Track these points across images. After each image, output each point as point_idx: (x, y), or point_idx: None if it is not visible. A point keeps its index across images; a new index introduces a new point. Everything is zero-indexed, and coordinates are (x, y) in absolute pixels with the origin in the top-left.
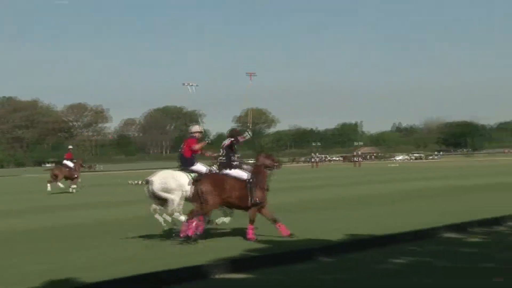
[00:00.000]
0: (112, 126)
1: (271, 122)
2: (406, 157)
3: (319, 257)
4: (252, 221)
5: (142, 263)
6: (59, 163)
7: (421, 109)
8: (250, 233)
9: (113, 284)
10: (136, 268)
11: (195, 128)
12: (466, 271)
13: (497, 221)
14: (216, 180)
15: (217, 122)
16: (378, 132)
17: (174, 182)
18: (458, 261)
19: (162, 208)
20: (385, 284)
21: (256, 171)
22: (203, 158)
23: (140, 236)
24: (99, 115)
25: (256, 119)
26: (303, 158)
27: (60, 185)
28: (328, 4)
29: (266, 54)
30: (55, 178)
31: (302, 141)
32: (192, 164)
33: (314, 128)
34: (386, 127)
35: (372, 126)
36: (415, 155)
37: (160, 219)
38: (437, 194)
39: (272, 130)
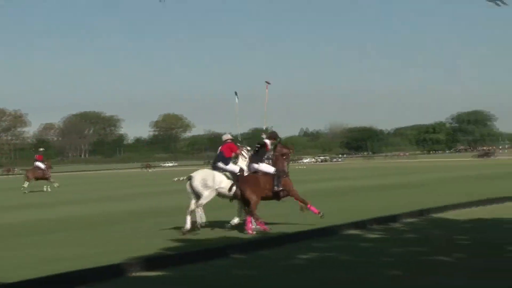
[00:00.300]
0: (31, 130)
1: (186, 126)
2: (313, 159)
3: (233, 254)
4: (303, 200)
5: (63, 262)
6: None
7: (327, 115)
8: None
9: (30, 284)
10: (56, 268)
11: (227, 136)
12: (365, 265)
13: (393, 218)
14: (253, 179)
15: (135, 127)
16: (287, 136)
17: (212, 181)
18: (359, 255)
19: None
20: (292, 278)
21: (276, 160)
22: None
23: (60, 237)
24: (18, 119)
25: (172, 124)
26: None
27: (25, 185)
28: (234, 15)
29: (181, 60)
30: (28, 179)
31: (217, 145)
32: (228, 163)
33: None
34: (294, 132)
35: (282, 131)
36: (321, 157)
37: (201, 214)
38: (340, 193)
39: (187, 134)
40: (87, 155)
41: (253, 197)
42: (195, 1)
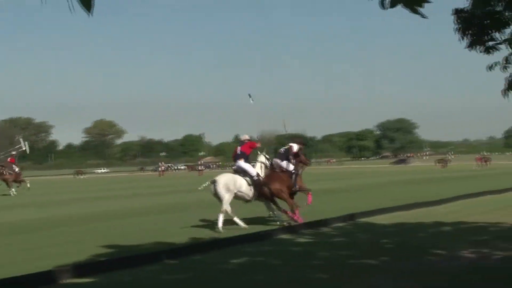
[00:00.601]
0: None
1: (119, 133)
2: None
3: (164, 259)
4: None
5: None
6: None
7: (259, 122)
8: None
9: None
10: None
11: (245, 136)
12: (295, 268)
13: (323, 222)
14: (278, 177)
15: (66, 133)
16: (220, 142)
17: (233, 185)
18: (289, 259)
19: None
20: (223, 282)
21: (296, 165)
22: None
23: None
24: None
25: (104, 130)
26: (151, 167)
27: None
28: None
29: (113, 66)
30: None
31: (150, 151)
32: (249, 161)
33: (161, 139)
34: (228, 138)
35: (216, 137)
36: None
37: (239, 221)
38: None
39: (120, 141)
40: (17, 162)
41: (283, 194)
42: (124, 5)
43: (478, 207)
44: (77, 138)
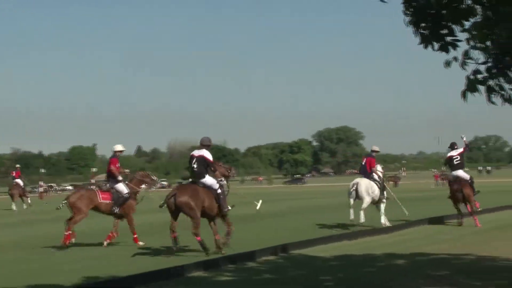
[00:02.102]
0: None
1: None
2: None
3: None
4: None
5: None
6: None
7: (166, 132)
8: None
9: None
10: None
11: (375, 147)
12: None
13: (249, 256)
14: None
15: None
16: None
17: (371, 189)
18: None
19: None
20: None
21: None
22: None
23: None
24: None
25: None
26: (28, 187)
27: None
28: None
29: None
30: (14, 198)
31: (26, 167)
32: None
33: (40, 152)
34: (128, 150)
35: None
36: (162, 183)
37: (362, 215)
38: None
39: None
40: None
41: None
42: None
43: (437, 235)
44: None
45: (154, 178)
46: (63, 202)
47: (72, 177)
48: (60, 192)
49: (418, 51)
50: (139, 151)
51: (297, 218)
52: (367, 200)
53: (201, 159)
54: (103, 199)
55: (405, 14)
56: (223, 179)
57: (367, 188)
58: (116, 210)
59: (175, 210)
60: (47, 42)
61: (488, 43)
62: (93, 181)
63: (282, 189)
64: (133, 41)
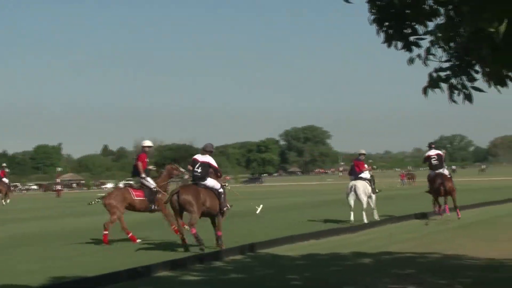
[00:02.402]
0: None
1: None
2: (120, 184)
3: None
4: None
5: None
6: None
7: (131, 131)
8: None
9: None
10: None
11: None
12: None
13: (215, 255)
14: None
15: None
16: (84, 155)
17: (367, 189)
18: None
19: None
20: None
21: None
22: None
23: None
24: None
25: None
26: None
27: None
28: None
29: None
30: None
31: None
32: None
33: (4, 151)
34: (94, 149)
35: (79, 149)
36: (129, 182)
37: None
38: (149, 227)
39: None
40: None
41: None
42: None
43: (402, 234)
44: None
45: (182, 170)
46: (97, 199)
47: (37, 177)
48: (25, 192)
49: (383, 50)
50: (106, 150)
51: (271, 217)
52: (365, 201)
53: (206, 164)
54: (136, 196)
55: (370, 12)
56: (226, 184)
57: (364, 189)
58: (154, 207)
59: (179, 208)
60: (11, 38)
61: (452, 44)
62: (58, 180)
63: (243, 189)
64: (102, 39)
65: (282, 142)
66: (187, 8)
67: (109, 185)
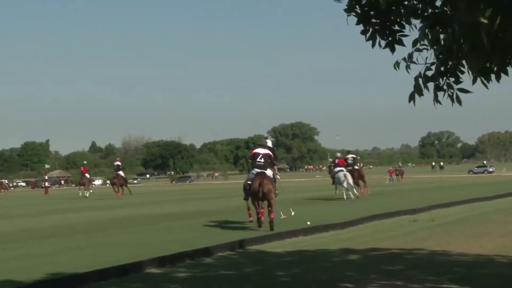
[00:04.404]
0: None
1: None
2: (108, 182)
3: None
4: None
5: None
6: None
7: (122, 127)
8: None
9: None
10: None
11: (338, 154)
12: None
13: (204, 251)
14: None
15: None
16: (72, 152)
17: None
18: None
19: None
20: None
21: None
22: None
23: None
24: None
25: None
26: None
27: None
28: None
29: None
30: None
31: None
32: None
33: None
34: (82, 146)
35: (68, 146)
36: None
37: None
38: (138, 223)
39: None
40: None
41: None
42: None
43: (391, 231)
44: None
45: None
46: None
47: (24, 173)
48: (13, 189)
49: (369, 49)
50: (94, 147)
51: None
52: (352, 182)
53: (267, 156)
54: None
55: (352, 10)
56: (278, 174)
57: (349, 176)
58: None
59: (262, 197)
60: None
61: (435, 47)
62: (46, 177)
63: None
64: (90, 36)
65: (270, 139)
66: (173, 7)
67: (97, 182)
